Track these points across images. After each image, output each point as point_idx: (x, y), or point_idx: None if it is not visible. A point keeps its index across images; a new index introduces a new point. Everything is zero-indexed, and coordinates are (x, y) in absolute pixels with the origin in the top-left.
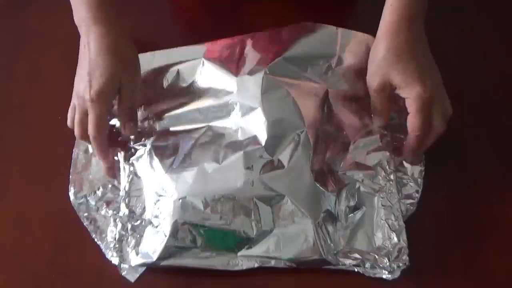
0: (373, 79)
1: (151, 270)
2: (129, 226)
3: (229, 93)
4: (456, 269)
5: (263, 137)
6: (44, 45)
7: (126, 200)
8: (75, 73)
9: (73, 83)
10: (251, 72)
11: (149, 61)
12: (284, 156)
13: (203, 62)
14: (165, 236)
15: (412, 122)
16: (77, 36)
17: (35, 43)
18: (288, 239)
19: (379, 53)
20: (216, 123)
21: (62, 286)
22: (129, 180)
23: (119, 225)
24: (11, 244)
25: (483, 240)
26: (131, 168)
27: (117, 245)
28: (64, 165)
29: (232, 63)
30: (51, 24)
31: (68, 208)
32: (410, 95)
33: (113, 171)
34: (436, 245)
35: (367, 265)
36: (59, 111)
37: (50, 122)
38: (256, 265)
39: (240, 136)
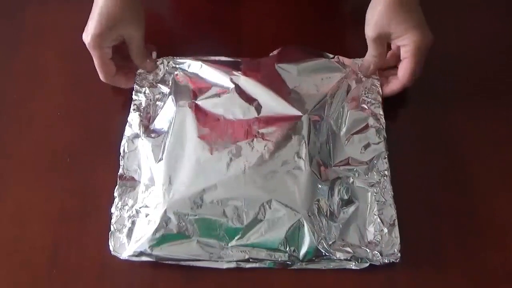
0: (372, 30)
1: (150, 266)
2: (125, 215)
3: (227, 85)
4: (449, 264)
5: (257, 127)
6: (43, 40)
7: (120, 191)
8: (75, 69)
9: (71, 79)
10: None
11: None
12: (278, 146)
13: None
14: (156, 225)
15: (405, 67)
16: (76, 32)
17: (34, 38)
18: (279, 228)
19: (378, 6)
20: (209, 112)
21: (62, 281)
22: (122, 170)
23: (114, 218)
24: (11, 239)
25: (477, 234)
26: (126, 157)
27: (111, 236)
28: (63, 161)
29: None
30: (50, 20)
31: (67, 204)
32: (409, 42)
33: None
34: (429, 240)
35: (359, 259)
36: (58, 107)
37: (49, 118)
38: (246, 256)
39: (233, 126)
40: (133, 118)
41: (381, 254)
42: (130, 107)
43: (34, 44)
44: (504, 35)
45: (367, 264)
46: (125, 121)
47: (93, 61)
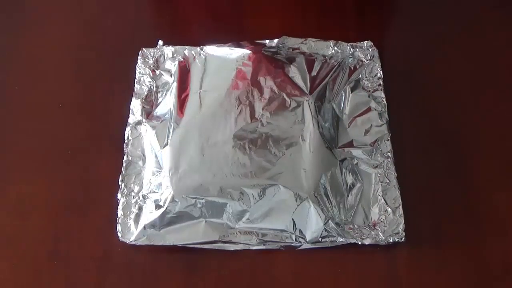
0: None
1: (152, 257)
2: (132, 201)
3: (230, 70)
4: (453, 243)
5: (261, 110)
6: (44, 30)
7: (125, 177)
8: (76, 61)
9: (72, 71)
10: None
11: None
12: (282, 129)
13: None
14: (163, 209)
15: None
16: (77, 23)
17: (35, 28)
18: (286, 209)
19: None
20: (213, 97)
21: (63, 274)
22: (127, 157)
23: (120, 204)
24: (12, 232)
25: (481, 219)
26: (130, 144)
27: (118, 222)
28: (64, 153)
29: None
30: (52, 9)
31: (68, 196)
32: None
33: None
34: (433, 220)
35: (364, 239)
36: (59, 99)
37: (50, 110)
38: (254, 237)
39: (237, 109)
40: (135, 105)
41: (385, 234)
42: (132, 96)
43: (35, 35)
44: None
45: (371, 244)
46: (127, 112)
47: (94, 52)
